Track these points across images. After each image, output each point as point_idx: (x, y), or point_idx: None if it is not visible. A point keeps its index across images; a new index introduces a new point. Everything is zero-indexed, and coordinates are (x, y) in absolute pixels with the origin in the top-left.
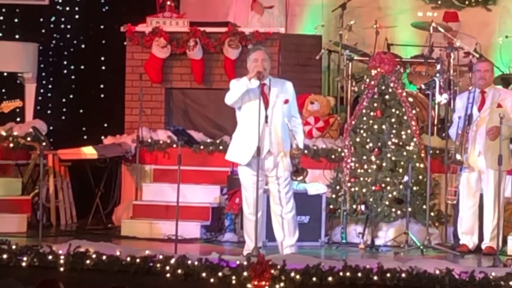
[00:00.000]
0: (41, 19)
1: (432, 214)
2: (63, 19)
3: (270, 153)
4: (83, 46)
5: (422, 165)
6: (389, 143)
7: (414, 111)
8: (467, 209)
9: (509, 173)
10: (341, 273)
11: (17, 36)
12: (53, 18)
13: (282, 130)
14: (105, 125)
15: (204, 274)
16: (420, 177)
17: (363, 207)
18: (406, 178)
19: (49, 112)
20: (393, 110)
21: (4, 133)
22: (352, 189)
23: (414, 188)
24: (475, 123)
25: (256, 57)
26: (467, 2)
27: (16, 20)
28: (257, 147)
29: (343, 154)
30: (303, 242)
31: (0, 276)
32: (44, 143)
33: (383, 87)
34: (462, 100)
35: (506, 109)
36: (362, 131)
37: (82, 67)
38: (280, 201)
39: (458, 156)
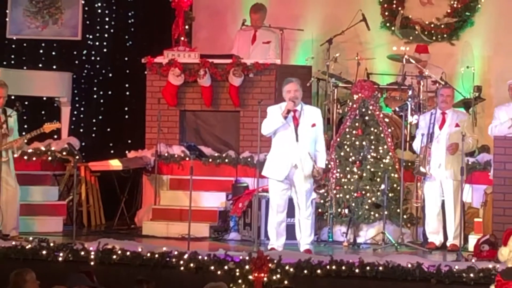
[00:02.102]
0: (75, 52)
1: (405, 216)
2: (93, 52)
3: (297, 167)
4: (110, 75)
5: (396, 175)
6: (369, 156)
7: (389, 130)
8: (432, 212)
9: (468, 182)
10: (328, 267)
11: (54, 67)
12: (84, 52)
13: (309, 148)
14: (129, 141)
15: (212, 267)
16: (395, 185)
17: (346, 210)
18: (383, 186)
19: (81, 130)
20: (372, 129)
21: (43, 148)
22: (337, 196)
23: (390, 194)
24: (436, 139)
25: (289, 89)
26: (434, 38)
27: (53, 53)
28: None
29: (329, 166)
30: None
31: (39, 269)
32: (77, 157)
33: (363, 110)
34: (425, 120)
35: (463, 128)
36: (346, 147)
37: (110, 92)
38: (300, 206)
39: (421, 168)
